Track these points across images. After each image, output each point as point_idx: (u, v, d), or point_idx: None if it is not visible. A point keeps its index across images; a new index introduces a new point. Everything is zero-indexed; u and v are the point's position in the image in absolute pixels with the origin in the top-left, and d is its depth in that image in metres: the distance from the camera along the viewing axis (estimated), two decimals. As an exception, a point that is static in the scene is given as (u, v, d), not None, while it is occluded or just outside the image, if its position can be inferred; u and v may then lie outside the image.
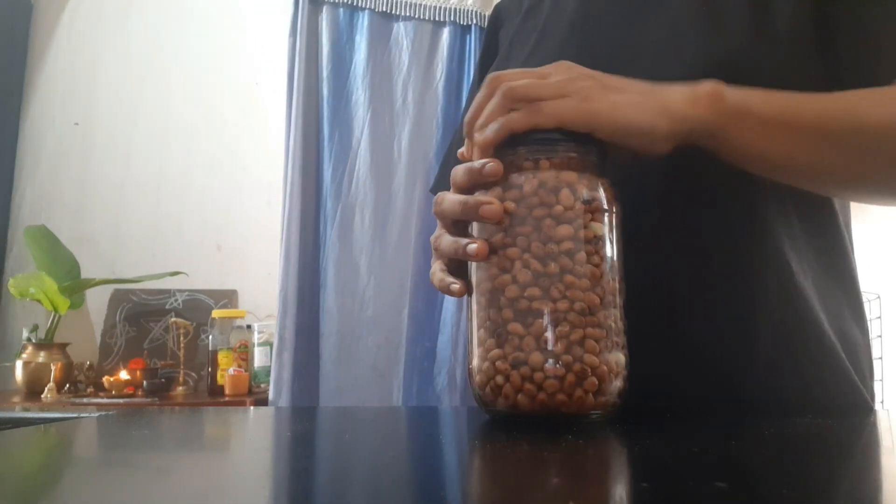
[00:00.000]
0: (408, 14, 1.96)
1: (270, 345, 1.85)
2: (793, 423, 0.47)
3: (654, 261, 0.55)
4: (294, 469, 0.35)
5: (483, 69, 0.78)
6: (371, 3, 1.96)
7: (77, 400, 1.66)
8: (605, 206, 0.44)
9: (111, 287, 2.04)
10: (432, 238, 0.49)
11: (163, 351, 1.99)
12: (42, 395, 1.68)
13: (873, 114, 0.50)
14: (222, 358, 1.80)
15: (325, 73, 1.93)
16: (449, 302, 1.84)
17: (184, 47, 2.22)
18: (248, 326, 1.90)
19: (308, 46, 1.91)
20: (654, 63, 0.57)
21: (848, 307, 0.61)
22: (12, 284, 1.84)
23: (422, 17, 1.96)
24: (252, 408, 1.52)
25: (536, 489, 0.27)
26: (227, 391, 1.72)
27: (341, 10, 1.96)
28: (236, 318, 1.88)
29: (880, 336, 1.91)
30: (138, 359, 1.92)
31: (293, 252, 1.83)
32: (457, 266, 0.48)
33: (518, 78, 0.45)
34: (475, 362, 0.45)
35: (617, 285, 0.44)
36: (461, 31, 1.98)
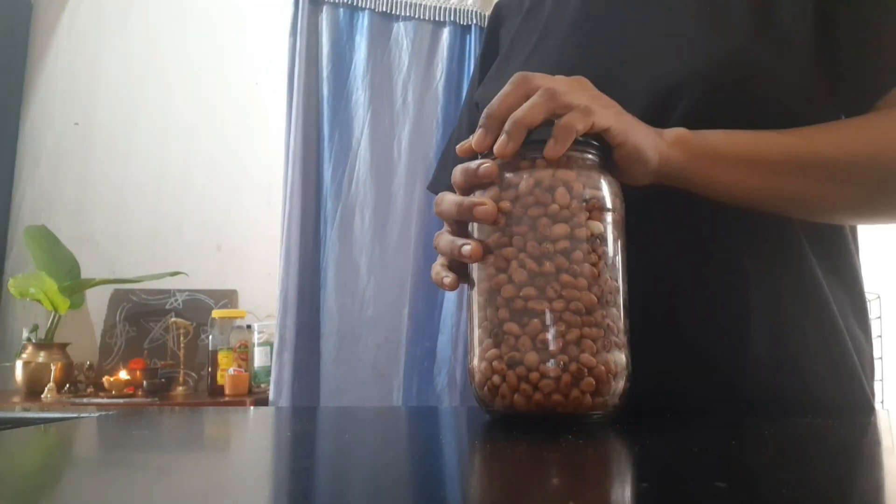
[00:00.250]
0: (408, 14, 1.96)
1: (270, 345, 1.85)
2: (793, 423, 0.47)
3: (654, 260, 0.55)
4: (294, 469, 0.35)
5: (483, 67, 0.78)
6: (371, 3, 1.96)
7: (77, 400, 1.66)
8: (607, 205, 0.44)
9: (111, 287, 2.05)
10: (434, 237, 0.50)
11: (163, 351, 1.99)
12: (42, 395, 1.68)
13: (832, 148, 0.52)
14: (222, 358, 1.80)
15: (325, 73, 1.93)
16: (449, 302, 1.84)
17: (184, 47, 2.22)
18: (248, 326, 1.90)
19: (308, 46, 1.91)
20: (655, 62, 0.57)
21: (851, 308, 0.61)
22: (12, 284, 1.84)
23: (422, 17, 1.96)
24: (252, 408, 1.51)
25: (536, 489, 0.27)
26: (227, 391, 1.72)
27: (341, 10, 1.96)
28: (236, 318, 1.88)
29: (880, 336, 1.91)
30: (138, 359, 1.92)
31: (293, 252, 1.83)
32: (458, 265, 0.48)
33: (551, 83, 0.45)
34: (474, 362, 0.45)
35: (618, 284, 0.44)
36: (461, 31, 1.97)
